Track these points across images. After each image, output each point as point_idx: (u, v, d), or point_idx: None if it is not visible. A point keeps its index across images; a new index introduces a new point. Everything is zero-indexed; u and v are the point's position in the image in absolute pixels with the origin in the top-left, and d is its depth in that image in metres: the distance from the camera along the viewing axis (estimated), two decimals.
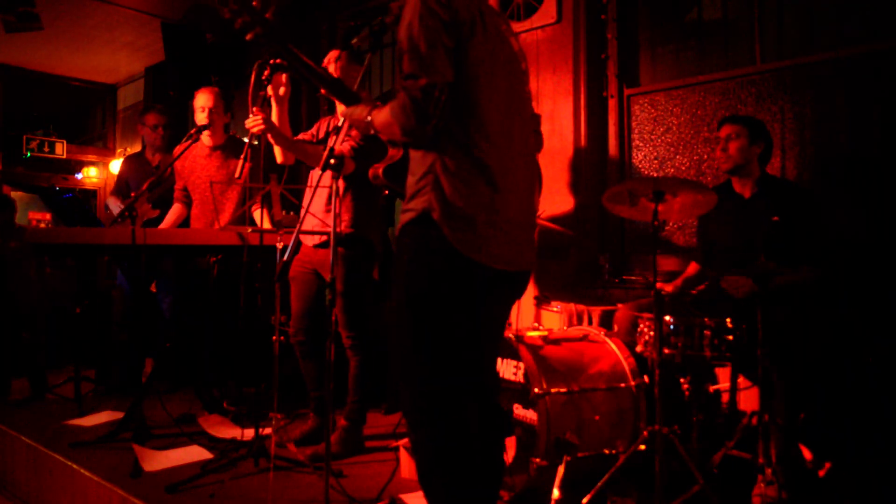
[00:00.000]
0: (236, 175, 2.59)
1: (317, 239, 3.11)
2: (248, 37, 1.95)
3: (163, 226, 3.96)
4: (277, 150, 3.07)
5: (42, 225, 7.46)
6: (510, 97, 1.85)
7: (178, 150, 3.53)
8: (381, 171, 1.95)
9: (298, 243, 3.19)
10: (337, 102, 3.11)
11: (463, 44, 1.72)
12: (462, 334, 1.78)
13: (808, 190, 3.12)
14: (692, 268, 3.16)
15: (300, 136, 3.22)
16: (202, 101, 3.72)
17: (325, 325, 2.31)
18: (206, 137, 3.79)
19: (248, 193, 3.44)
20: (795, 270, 2.69)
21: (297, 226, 2.49)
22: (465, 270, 1.73)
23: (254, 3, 1.92)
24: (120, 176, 4.61)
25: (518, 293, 1.98)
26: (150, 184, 3.33)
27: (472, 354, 1.83)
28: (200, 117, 3.70)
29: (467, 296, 1.77)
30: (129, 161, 4.68)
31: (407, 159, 1.88)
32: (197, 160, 3.83)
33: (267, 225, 3.58)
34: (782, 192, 2.90)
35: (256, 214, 3.64)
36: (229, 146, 3.84)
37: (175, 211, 3.99)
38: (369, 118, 1.87)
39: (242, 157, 2.59)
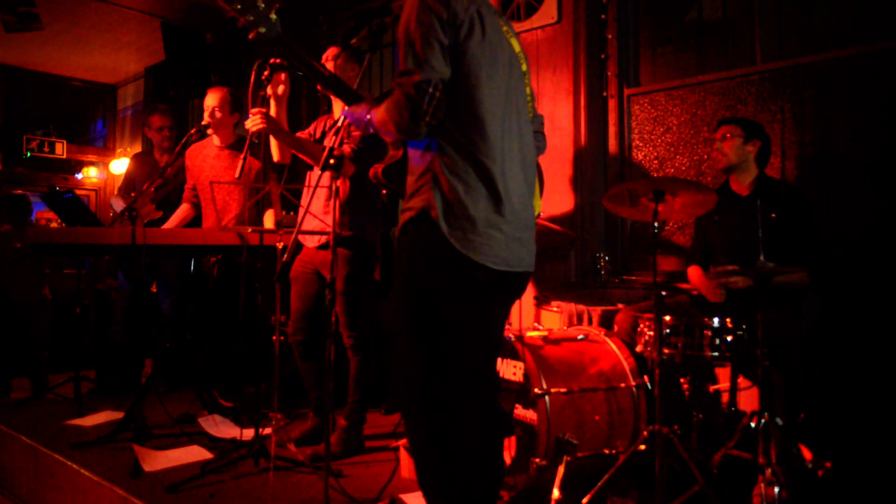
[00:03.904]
0: (236, 174, 2.59)
1: (317, 240, 3.11)
2: (251, 36, 1.95)
3: (167, 225, 3.94)
4: (275, 149, 3.07)
5: (53, 224, 7.44)
6: (508, 98, 1.85)
7: (176, 150, 3.53)
8: (380, 170, 1.95)
9: (299, 243, 3.19)
10: (335, 102, 3.12)
11: (461, 43, 1.73)
12: (461, 333, 1.78)
13: (803, 192, 3.11)
14: (694, 270, 3.12)
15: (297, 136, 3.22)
16: (207, 101, 3.72)
17: (325, 326, 2.31)
18: (214, 137, 3.79)
19: (249, 194, 3.44)
20: (790, 271, 2.70)
21: (297, 226, 2.49)
22: (463, 269, 1.73)
23: (258, 2, 1.92)
24: (127, 175, 4.59)
25: (517, 294, 1.98)
26: (154, 185, 3.32)
27: (471, 354, 1.83)
28: (205, 117, 3.71)
29: (466, 295, 1.77)
30: (136, 160, 4.66)
31: (407, 159, 1.88)
32: (206, 160, 3.82)
33: (269, 224, 3.58)
34: (778, 191, 2.90)
35: (268, 215, 3.61)
36: (238, 146, 3.83)
37: (182, 211, 3.96)
38: (368, 116, 1.87)
39: (242, 156, 2.59)
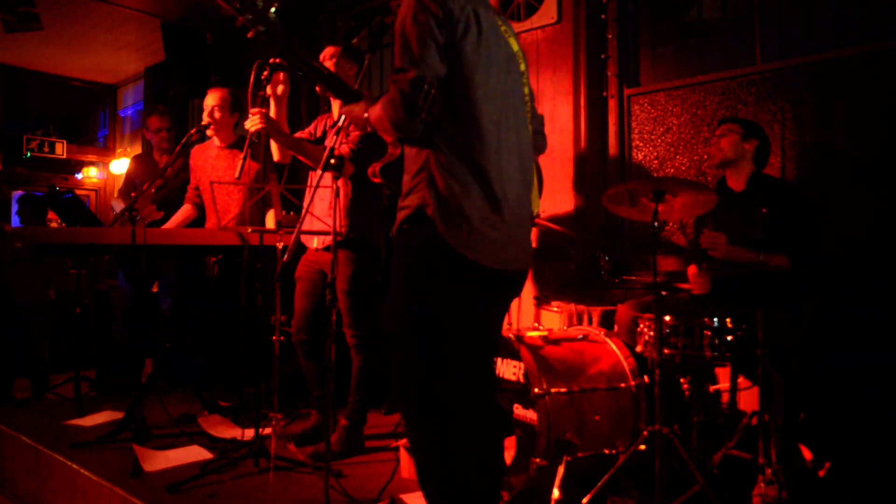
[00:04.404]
0: (235, 175, 2.59)
1: (321, 242, 3.10)
2: (250, 34, 1.95)
3: (167, 225, 3.95)
4: (275, 149, 3.07)
5: (53, 224, 7.44)
6: (505, 97, 1.85)
7: (176, 150, 3.54)
8: (378, 169, 1.95)
9: (301, 243, 3.18)
10: (333, 101, 3.12)
11: (457, 43, 1.73)
12: (460, 333, 1.78)
13: (800, 190, 3.12)
14: (693, 269, 3.13)
15: (298, 135, 3.22)
16: (207, 101, 3.73)
17: (326, 325, 2.31)
18: (215, 138, 3.80)
19: (249, 194, 3.44)
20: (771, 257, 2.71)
21: (297, 226, 2.49)
22: (459, 267, 1.73)
23: (256, 0, 1.92)
24: (127, 176, 4.61)
25: (514, 293, 1.98)
26: (154, 185, 3.32)
27: (470, 353, 1.83)
28: (204, 117, 3.71)
29: (463, 294, 1.77)
30: (136, 161, 4.67)
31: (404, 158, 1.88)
32: (207, 160, 3.83)
33: (270, 225, 3.58)
34: (773, 189, 2.91)
35: (269, 216, 3.60)
36: (239, 146, 3.83)
37: (184, 211, 3.96)
38: (366, 114, 1.87)
39: (242, 156, 2.59)
